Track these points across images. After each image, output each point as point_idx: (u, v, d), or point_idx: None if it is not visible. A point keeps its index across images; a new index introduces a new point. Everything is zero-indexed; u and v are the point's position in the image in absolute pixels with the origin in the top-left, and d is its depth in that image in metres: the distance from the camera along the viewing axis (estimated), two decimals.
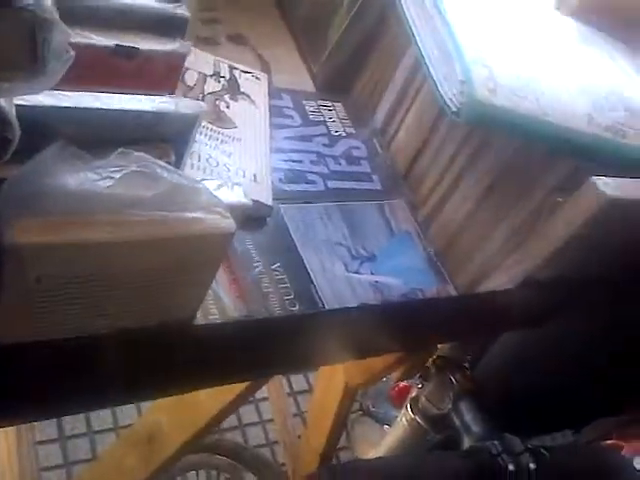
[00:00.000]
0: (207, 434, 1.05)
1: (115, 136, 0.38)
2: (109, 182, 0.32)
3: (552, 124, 0.61)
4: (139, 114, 0.38)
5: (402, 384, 0.92)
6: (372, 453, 0.89)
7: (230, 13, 0.88)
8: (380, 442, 0.88)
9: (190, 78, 0.73)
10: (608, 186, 0.60)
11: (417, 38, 0.63)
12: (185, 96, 0.71)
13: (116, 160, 0.33)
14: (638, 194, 0.62)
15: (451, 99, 0.58)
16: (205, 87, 0.74)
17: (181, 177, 0.36)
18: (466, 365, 0.74)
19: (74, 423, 1.56)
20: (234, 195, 0.43)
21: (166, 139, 0.40)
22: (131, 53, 0.40)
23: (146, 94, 0.40)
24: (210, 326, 0.51)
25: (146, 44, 0.41)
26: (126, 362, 0.47)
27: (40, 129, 0.34)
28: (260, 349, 0.56)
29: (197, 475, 1.31)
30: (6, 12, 0.27)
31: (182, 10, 0.44)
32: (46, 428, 1.53)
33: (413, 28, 0.64)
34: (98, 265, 0.37)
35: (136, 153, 0.34)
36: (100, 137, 0.37)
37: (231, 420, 1.72)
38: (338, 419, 0.98)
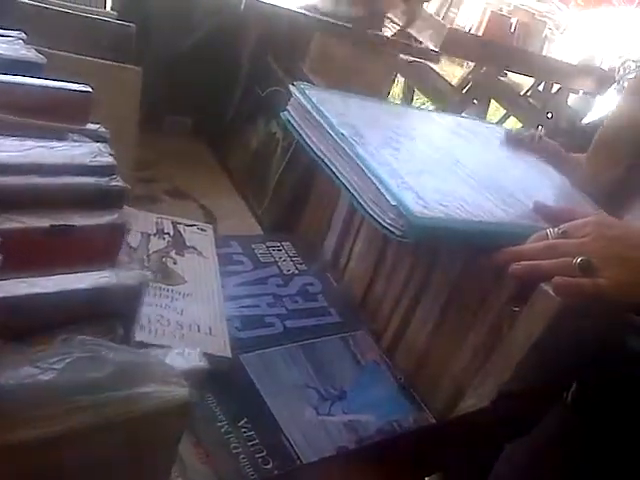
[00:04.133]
0: None
1: (57, 320, 0.36)
2: (51, 374, 0.30)
3: (482, 222, 0.64)
4: (80, 293, 0.36)
5: None
6: None
7: (167, 169, 0.90)
8: None
9: (133, 239, 0.73)
10: None
11: (340, 178, 0.67)
12: (130, 258, 0.70)
13: (57, 348, 0.31)
14: None
15: (391, 224, 0.60)
16: (149, 246, 0.73)
17: (130, 353, 0.34)
18: None
19: None
20: (190, 359, 0.41)
21: (111, 314, 0.38)
22: (67, 231, 0.39)
23: (86, 270, 0.39)
24: None
25: (82, 220, 0.41)
26: None
27: None
28: None
29: None
30: None
31: (117, 182, 0.44)
32: None
33: (332, 168, 0.67)
34: (47, 461, 0.34)
35: (79, 337, 0.32)
36: (41, 323, 0.35)
37: None
38: None
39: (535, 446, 0.80)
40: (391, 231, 0.61)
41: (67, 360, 0.30)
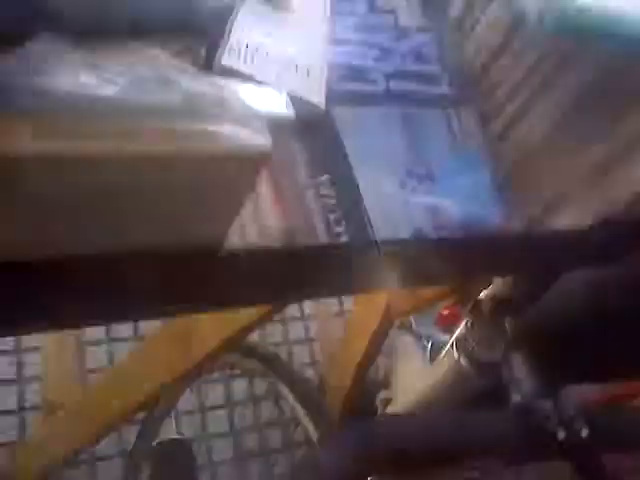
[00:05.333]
0: (248, 334, 1.02)
1: (133, 25, 0.30)
2: (111, 88, 0.25)
3: None
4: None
5: (450, 309, 0.86)
6: (411, 392, 0.84)
7: None
8: (419, 366, 0.83)
9: None
10: None
11: None
12: None
13: (124, 61, 0.26)
14: None
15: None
16: None
17: (205, 84, 0.28)
18: (523, 310, 0.66)
19: None
20: (276, 104, 0.35)
21: (195, 31, 0.32)
22: None
23: None
24: (234, 251, 0.45)
25: None
26: (140, 283, 0.42)
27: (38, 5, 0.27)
28: (296, 276, 0.50)
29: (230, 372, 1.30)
30: None
31: None
32: None
33: None
34: (102, 180, 0.30)
35: (151, 51, 0.26)
36: (114, 25, 0.29)
37: (276, 334, 1.71)
38: (376, 336, 0.94)
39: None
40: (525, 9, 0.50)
41: (131, 76, 0.25)
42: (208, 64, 0.34)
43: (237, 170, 0.33)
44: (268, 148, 0.33)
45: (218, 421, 1.56)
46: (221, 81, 0.30)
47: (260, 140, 0.32)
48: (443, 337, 1.00)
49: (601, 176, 0.60)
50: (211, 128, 0.30)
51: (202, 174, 0.33)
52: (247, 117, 0.32)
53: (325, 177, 0.58)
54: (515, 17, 0.67)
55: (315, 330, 1.67)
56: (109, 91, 0.25)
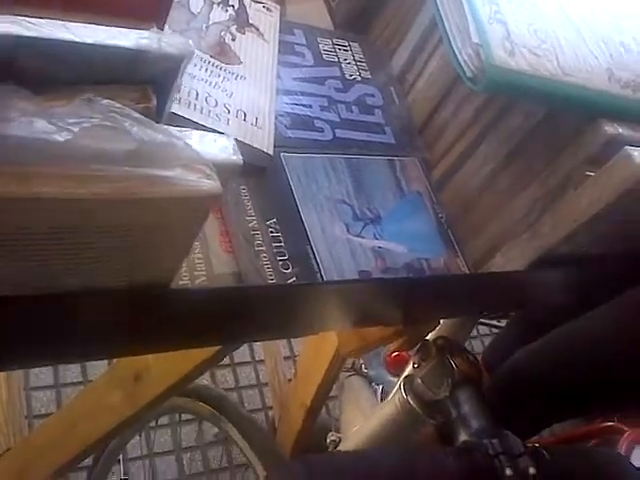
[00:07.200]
0: (195, 377, 1.02)
1: (86, 74, 0.32)
2: (67, 135, 0.26)
3: (573, 85, 0.56)
4: (116, 50, 0.31)
5: (398, 352, 0.88)
6: (359, 427, 0.85)
7: None
8: (368, 409, 0.84)
9: (195, 4, 0.66)
10: None
11: None
12: (188, 24, 0.64)
13: (77, 109, 0.27)
14: None
15: (466, 61, 0.53)
16: (211, 16, 0.66)
17: (156, 131, 0.30)
18: (469, 350, 0.68)
19: None
20: (224, 150, 0.37)
21: (147, 81, 0.34)
22: None
23: (128, 27, 0.34)
24: (185, 291, 0.46)
25: None
26: (93, 322, 0.42)
27: None
28: (244, 317, 0.51)
29: (179, 417, 1.29)
30: None
31: None
32: None
33: None
34: (55, 222, 0.32)
35: (104, 101, 0.28)
36: (67, 75, 0.31)
37: (227, 379, 1.72)
38: (326, 378, 0.95)
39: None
40: (463, 69, 0.54)
41: (85, 124, 0.27)
42: (159, 113, 0.36)
43: (185, 212, 0.35)
44: (216, 191, 0.35)
45: (167, 466, 1.54)
46: (172, 129, 0.32)
47: (208, 184, 0.34)
48: (393, 380, 1.01)
49: (537, 217, 0.63)
50: (160, 173, 0.32)
51: (150, 216, 0.34)
52: (196, 162, 0.34)
53: (273, 220, 0.60)
54: (454, 72, 0.71)
55: (265, 374, 1.67)
56: (62, 137, 0.27)
